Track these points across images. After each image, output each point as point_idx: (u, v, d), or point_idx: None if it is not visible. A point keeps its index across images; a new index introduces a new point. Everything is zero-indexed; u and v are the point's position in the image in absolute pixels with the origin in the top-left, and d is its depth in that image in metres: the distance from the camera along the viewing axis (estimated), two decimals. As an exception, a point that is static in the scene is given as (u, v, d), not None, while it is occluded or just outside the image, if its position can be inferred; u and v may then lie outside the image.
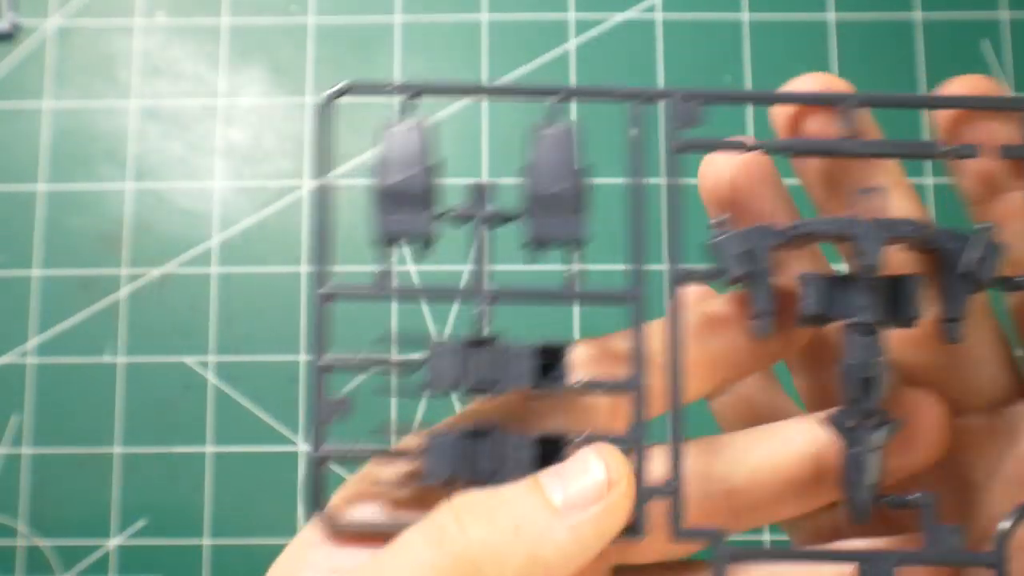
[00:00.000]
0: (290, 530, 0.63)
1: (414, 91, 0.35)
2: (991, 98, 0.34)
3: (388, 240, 0.35)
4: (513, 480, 0.33)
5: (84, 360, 0.64)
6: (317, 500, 0.34)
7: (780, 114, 0.35)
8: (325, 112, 0.35)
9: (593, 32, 0.65)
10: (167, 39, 0.67)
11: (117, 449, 0.64)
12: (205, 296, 0.65)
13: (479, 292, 0.35)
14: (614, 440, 0.34)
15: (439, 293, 0.35)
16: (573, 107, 0.56)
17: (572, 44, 0.65)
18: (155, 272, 0.64)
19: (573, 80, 0.63)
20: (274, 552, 0.36)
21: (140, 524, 0.63)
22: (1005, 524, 0.33)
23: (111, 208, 0.65)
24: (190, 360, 0.64)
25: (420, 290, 0.35)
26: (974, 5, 0.65)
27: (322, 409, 0.34)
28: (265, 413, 0.64)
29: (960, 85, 0.35)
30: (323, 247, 0.35)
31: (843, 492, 0.34)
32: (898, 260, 0.35)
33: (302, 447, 0.63)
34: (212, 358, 0.64)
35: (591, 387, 0.34)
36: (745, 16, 0.65)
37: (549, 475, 0.32)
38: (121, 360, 0.64)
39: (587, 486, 0.32)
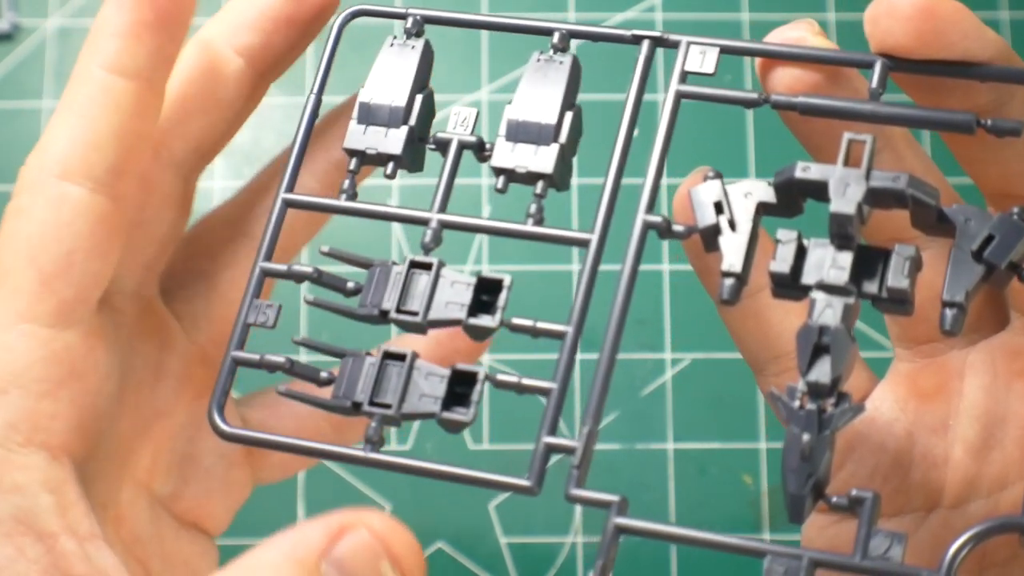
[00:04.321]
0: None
1: (421, 17, 0.37)
2: None
3: (352, 152, 0.35)
4: (418, 411, 0.32)
5: (84, 360, 0.64)
6: (222, 400, 0.34)
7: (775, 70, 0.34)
8: (337, 34, 0.38)
9: (593, 32, 0.65)
10: (167, 39, 0.67)
11: (117, 449, 0.63)
12: (205, 296, 0.64)
13: (430, 218, 0.34)
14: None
15: (391, 215, 0.35)
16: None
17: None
18: (155, 272, 0.64)
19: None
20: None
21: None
22: (957, 545, 0.28)
23: (111, 208, 0.65)
24: (190, 360, 0.64)
25: (374, 210, 0.35)
26: (973, 5, 0.64)
27: (251, 311, 0.34)
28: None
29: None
30: (300, 157, 0.36)
31: (782, 486, 0.28)
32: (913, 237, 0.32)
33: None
34: (212, 358, 0.64)
35: (523, 329, 0.32)
36: (745, 16, 0.65)
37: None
38: (121, 360, 0.64)
39: None
